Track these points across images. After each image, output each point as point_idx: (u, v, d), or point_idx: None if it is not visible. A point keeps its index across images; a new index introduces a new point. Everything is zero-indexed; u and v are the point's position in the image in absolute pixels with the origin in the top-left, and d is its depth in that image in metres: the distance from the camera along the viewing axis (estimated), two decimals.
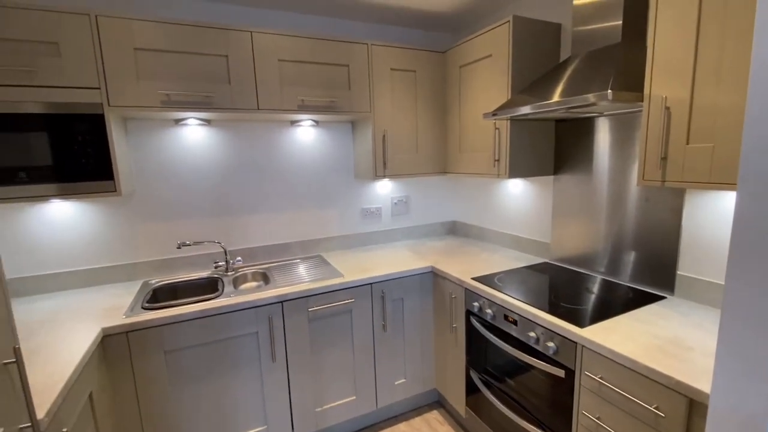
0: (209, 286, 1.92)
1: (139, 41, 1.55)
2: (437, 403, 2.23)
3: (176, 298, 1.88)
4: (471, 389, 1.82)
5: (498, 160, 1.87)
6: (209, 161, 2.02)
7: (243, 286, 1.99)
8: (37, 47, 1.41)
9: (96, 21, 1.48)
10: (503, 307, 1.54)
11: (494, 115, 1.62)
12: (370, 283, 1.87)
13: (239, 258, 2.08)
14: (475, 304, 1.70)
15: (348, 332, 1.86)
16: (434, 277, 2.03)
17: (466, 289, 1.78)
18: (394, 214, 2.56)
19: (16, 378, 0.82)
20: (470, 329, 1.77)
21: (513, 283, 1.68)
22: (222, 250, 2.07)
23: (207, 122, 1.98)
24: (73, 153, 1.49)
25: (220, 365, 1.60)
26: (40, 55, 1.42)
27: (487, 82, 1.90)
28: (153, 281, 1.89)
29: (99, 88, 1.51)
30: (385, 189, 2.50)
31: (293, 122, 2.17)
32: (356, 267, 2.00)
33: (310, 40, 1.85)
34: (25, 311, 1.56)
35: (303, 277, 1.86)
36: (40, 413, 0.91)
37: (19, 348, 0.80)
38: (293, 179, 2.22)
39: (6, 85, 1.37)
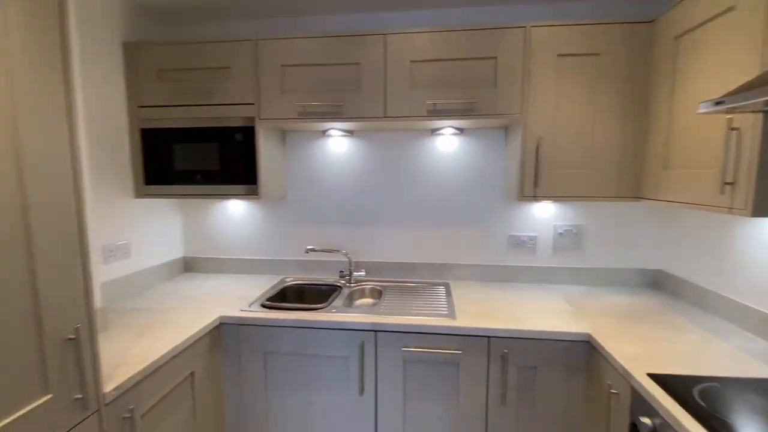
0: (327, 294, 1.93)
1: (285, 58, 1.67)
2: None
3: (301, 299, 1.97)
4: None
5: (732, 184, 1.09)
6: (349, 172, 2.03)
7: (358, 302, 1.90)
8: (215, 72, 1.71)
9: (257, 45, 1.68)
10: None
11: (732, 102, 0.92)
12: (488, 336, 1.43)
13: (363, 271, 2.01)
14: (646, 421, 1.02)
15: (452, 390, 1.48)
16: (590, 351, 1.38)
17: (633, 388, 1.11)
18: (557, 248, 1.94)
19: (85, 353, 0.93)
20: None
21: (733, 409, 0.92)
22: (347, 260, 2.05)
23: (349, 133, 2.00)
24: (231, 160, 1.74)
25: (311, 380, 1.55)
26: (217, 79, 1.71)
27: (724, 53, 1.14)
28: (289, 279, 2.04)
29: (254, 104, 1.71)
30: (545, 213, 1.93)
31: (434, 131, 1.94)
32: (481, 309, 1.59)
33: (449, 34, 1.58)
34: (187, 286, 1.94)
35: (410, 307, 1.61)
36: (110, 386, 1.02)
37: (79, 327, 0.90)
38: (430, 194, 1.99)
39: (192, 105, 1.73)
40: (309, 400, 1.55)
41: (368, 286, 1.93)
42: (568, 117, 1.56)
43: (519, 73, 1.56)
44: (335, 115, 1.67)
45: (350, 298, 1.84)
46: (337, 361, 1.52)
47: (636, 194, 1.56)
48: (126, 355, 1.20)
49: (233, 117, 1.72)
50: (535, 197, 1.61)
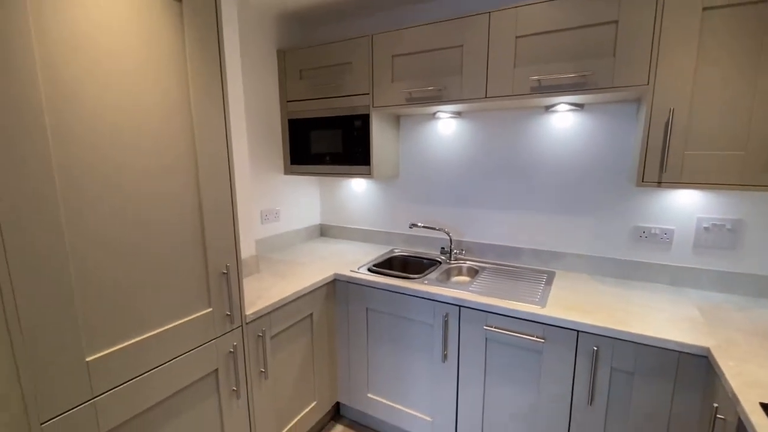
0: (426, 267, 2.08)
1: (395, 49, 1.82)
2: None
3: (404, 269, 2.18)
4: None
5: None
6: (456, 153, 2.09)
7: (454, 278, 1.99)
8: (340, 68, 2.00)
9: (372, 39, 1.88)
10: None
11: None
12: (576, 330, 1.35)
13: (463, 250, 2.07)
14: None
15: (534, 377, 1.46)
16: (707, 368, 1.16)
17: (740, 419, 0.92)
18: (700, 246, 1.60)
19: (232, 284, 1.34)
20: None
21: None
22: (447, 238, 2.14)
23: (458, 114, 2.04)
24: (351, 144, 2.03)
25: (402, 339, 1.75)
26: (341, 74, 2.00)
27: None
28: (397, 250, 2.27)
29: (368, 94, 1.93)
30: (687, 202, 1.60)
31: (548, 108, 1.81)
32: (578, 302, 1.49)
33: (561, 1, 1.45)
34: (319, 247, 2.36)
35: (501, 290, 1.62)
36: (250, 310, 1.43)
37: (229, 266, 1.31)
38: (542, 176, 1.89)
39: (323, 98, 2.06)
40: (400, 356, 1.77)
41: (466, 265, 2.00)
42: (713, 85, 1.26)
43: (647, 35, 1.33)
44: (438, 99, 1.75)
45: (447, 274, 1.95)
46: (424, 327, 1.68)
47: None
48: (266, 291, 1.63)
49: (353, 106, 1.99)
50: (660, 183, 1.37)
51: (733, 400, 0.95)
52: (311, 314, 1.77)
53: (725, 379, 1.01)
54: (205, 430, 1.31)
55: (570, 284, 1.68)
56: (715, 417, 1.04)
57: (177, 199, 1.16)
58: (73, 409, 0.95)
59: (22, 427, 0.86)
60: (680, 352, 1.20)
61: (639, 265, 1.71)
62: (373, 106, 1.93)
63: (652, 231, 1.67)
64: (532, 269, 1.90)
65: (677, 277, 1.65)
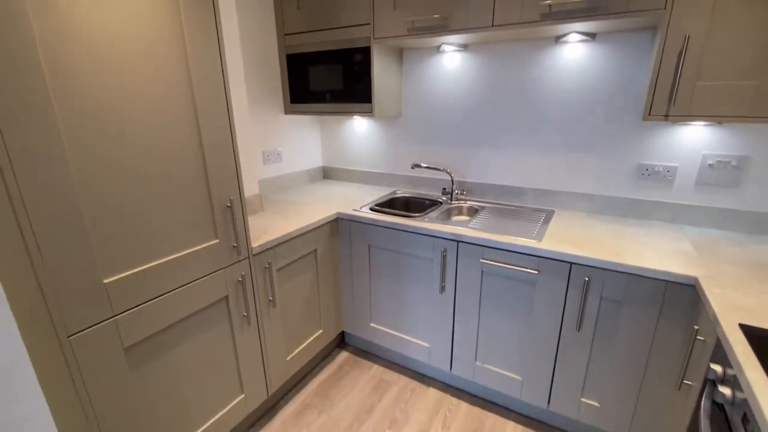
0: (427, 207, 2.10)
1: None
2: None
3: (406, 208, 2.21)
4: None
5: None
6: (460, 90, 2.02)
7: (455, 218, 2.02)
8: None
9: None
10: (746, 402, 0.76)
11: None
12: (570, 262, 1.40)
13: (464, 190, 2.09)
14: (716, 368, 0.92)
15: (526, 307, 1.54)
16: (694, 297, 1.21)
17: (717, 340, 0.98)
18: (702, 184, 1.59)
19: (237, 217, 1.39)
20: (704, 404, 1.00)
21: None
22: (449, 179, 2.14)
23: (464, 47, 1.94)
24: (352, 80, 1.97)
25: (402, 273, 1.83)
26: (339, 2, 1.88)
27: None
28: (399, 191, 2.29)
29: (369, 24, 1.83)
30: (693, 138, 1.57)
31: (558, 38, 1.71)
32: (574, 237, 1.52)
33: None
34: (321, 189, 2.38)
35: (499, 226, 1.66)
36: (256, 243, 1.49)
37: (233, 199, 1.34)
38: (547, 113, 1.84)
39: (322, 30, 1.96)
40: (401, 289, 1.86)
41: (466, 205, 2.02)
42: (733, 10, 1.18)
43: None
44: (442, 29, 1.66)
45: (447, 213, 1.98)
46: (424, 262, 1.74)
47: None
48: (271, 227, 1.68)
49: (353, 38, 1.90)
50: (667, 116, 1.34)
51: (713, 322, 1.01)
52: (315, 250, 1.84)
53: (709, 305, 1.06)
54: (220, 350, 1.43)
55: (568, 221, 1.71)
56: (695, 339, 1.11)
57: (177, 128, 1.16)
58: (96, 325, 1.03)
59: (51, 338, 0.95)
60: (668, 281, 1.25)
61: (639, 203, 1.72)
62: (374, 38, 1.84)
63: (656, 168, 1.66)
64: (532, 208, 1.92)
65: (677, 215, 1.66)
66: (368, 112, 1.97)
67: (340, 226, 1.95)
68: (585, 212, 1.84)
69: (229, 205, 1.35)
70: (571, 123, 1.79)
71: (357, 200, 2.10)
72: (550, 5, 1.42)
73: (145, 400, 1.19)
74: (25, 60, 0.84)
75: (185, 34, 1.13)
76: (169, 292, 1.20)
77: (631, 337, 1.35)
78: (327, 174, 2.66)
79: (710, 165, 1.56)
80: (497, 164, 2.03)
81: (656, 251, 1.38)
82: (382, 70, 1.95)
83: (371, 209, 1.94)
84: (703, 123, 1.53)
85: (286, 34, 2.10)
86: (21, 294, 0.88)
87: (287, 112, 2.24)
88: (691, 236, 1.52)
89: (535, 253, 1.45)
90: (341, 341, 2.27)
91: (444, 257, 1.66)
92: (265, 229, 1.66)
